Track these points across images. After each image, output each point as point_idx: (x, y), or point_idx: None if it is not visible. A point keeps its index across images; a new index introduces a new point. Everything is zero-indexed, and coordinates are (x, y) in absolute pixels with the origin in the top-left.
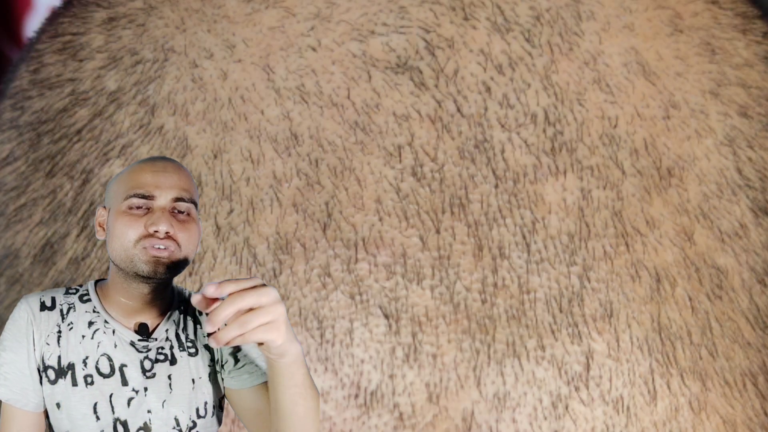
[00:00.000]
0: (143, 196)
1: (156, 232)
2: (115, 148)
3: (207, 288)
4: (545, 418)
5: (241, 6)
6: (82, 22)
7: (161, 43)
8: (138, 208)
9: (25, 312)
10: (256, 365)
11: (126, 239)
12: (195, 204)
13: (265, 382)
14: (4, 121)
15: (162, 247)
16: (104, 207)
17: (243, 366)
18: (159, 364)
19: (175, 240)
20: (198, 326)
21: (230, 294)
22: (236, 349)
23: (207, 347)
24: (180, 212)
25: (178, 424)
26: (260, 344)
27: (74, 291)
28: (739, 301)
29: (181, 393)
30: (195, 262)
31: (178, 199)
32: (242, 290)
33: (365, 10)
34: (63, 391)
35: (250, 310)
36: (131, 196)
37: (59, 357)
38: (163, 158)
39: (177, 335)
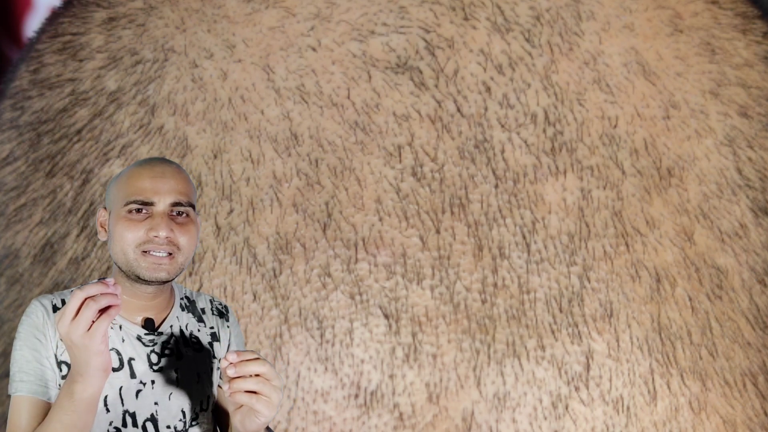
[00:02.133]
0: (142, 203)
1: (156, 237)
2: (115, 148)
3: (230, 355)
4: (545, 418)
5: (241, 6)
6: (82, 22)
7: (161, 43)
8: (138, 212)
9: (40, 311)
10: None
11: (126, 243)
12: (193, 206)
13: None
14: (4, 121)
15: (162, 253)
16: (105, 208)
17: None
18: (165, 358)
19: (175, 243)
20: (201, 324)
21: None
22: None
23: (210, 345)
24: (179, 214)
25: (183, 416)
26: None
27: None
28: (739, 301)
29: (187, 386)
30: (195, 261)
31: (176, 204)
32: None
33: (365, 10)
34: None
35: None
36: (131, 202)
37: None
38: (162, 161)
39: (182, 331)
